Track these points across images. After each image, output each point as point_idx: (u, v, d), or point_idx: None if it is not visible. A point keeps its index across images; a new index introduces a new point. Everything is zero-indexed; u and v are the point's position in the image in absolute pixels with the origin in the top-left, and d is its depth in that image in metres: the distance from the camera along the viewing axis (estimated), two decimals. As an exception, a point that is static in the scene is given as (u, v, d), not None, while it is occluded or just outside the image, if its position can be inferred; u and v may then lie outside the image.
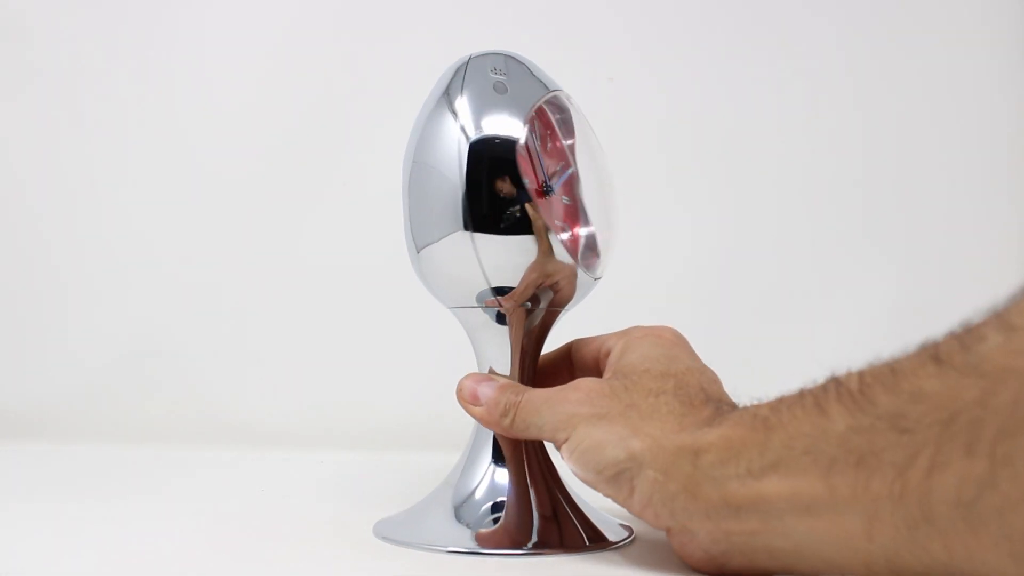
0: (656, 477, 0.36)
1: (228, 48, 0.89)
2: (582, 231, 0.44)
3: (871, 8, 0.87)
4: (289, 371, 0.84)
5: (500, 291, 0.43)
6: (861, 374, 0.32)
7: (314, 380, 0.84)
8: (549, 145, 0.44)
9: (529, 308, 0.44)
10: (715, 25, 0.87)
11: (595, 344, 0.46)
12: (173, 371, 0.85)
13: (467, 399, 0.44)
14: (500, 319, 0.44)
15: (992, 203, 0.86)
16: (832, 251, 0.86)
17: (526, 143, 0.42)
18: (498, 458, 0.44)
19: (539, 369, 0.47)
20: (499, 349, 0.45)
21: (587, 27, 0.87)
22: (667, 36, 0.88)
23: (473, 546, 0.41)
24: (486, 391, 0.43)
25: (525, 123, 0.42)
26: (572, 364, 0.48)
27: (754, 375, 0.77)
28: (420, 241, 0.44)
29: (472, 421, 0.45)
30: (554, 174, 0.43)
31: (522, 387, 0.43)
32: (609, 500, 0.39)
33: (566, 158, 0.44)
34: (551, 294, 0.44)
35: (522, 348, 0.45)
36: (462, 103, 0.43)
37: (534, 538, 0.42)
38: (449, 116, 0.43)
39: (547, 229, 0.42)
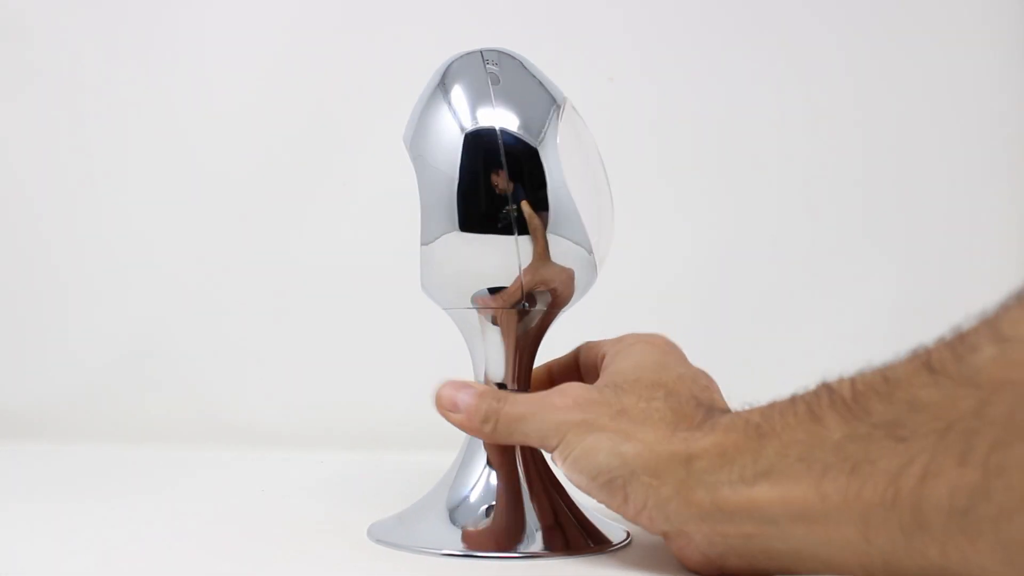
0: (649, 482, 0.36)
1: (228, 49, 0.89)
2: None
3: (871, 8, 0.87)
4: (289, 371, 0.84)
5: (495, 292, 0.43)
6: (853, 381, 0.32)
7: (314, 380, 0.84)
8: None
9: (525, 309, 0.44)
10: (715, 25, 0.87)
11: (596, 349, 0.46)
12: (173, 371, 0.85)
13: (446, 406, 0.43)
14: (494, 321, 0.44)
15: (992, 203, 0.86)
16: (832, 251, 0.86)
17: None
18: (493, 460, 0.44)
19: (552, 375, 0.47)
20: (494, 351, 0.45)
21: (587, 27, 0.87)
22: (667, 36, 0.88)
23: (467, 549, 0.41)
24: (465, 398, 0.42)
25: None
26: (580, 369, 0.48)
27: (754, 375, 0.77)
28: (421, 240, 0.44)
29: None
30: None
31: (502, 393, 0.43)
32: (605, 505, 0.39)
33: None
34: (548, 296, 0.44)
35: (517, 350, 0.45)
36: (457, 94, 0.43)
37: (528, 541, 0.42)
38: (444, 107, 0.43)
39: (544, 228, 0.42)
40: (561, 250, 0.42)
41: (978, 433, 0.27)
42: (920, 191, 0.86)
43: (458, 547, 0.41)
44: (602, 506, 0.40)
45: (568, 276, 0.43)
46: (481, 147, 0.42)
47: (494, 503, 0.43)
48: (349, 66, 0.88)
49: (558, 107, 0.43)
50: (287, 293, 0.85)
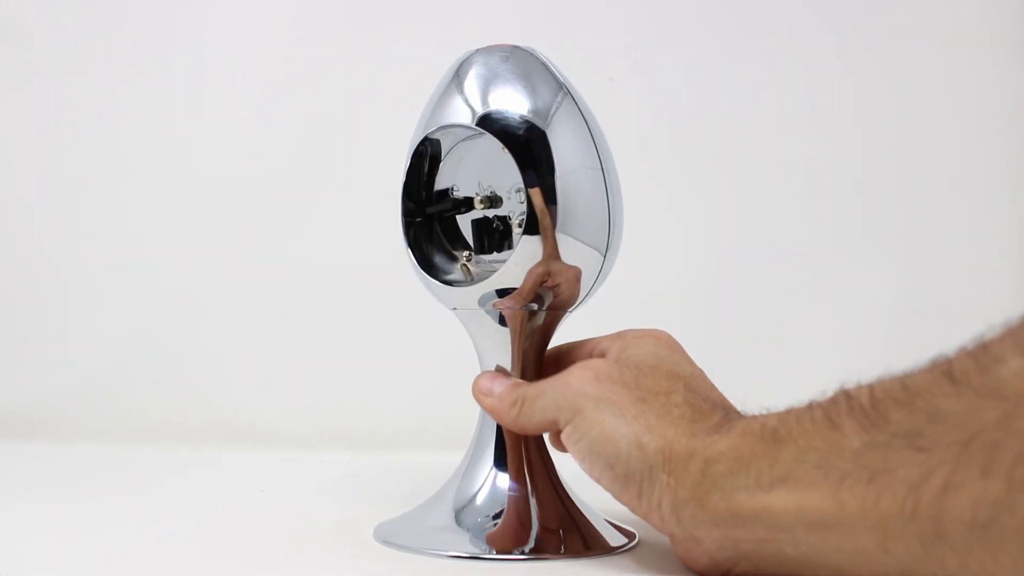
0: (668, 482, 0.36)
1: (227, 49, 0.89)
2: None
3: (871, 8, 0.87)
4: (290, 371, 0.84)
5: (502, 292, 0.43)
6: (872, 389, 0.32)
7: (314, 380, 0.84)
8: None
9: (533, 310, 0.44)
10: (715, 25, 0.87)
11: (588, 347, 0.45)
12: (173, 371, 0.85)
13: (482, 391, 0.43)
14: (502, 321, 0.44)
15: (992, 203, 0.86)
16: (832, 251, 0.86)
17: None
18: (500, 462, 0.44)
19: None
20: (501, 351, 0.45)
21: (587, 27, 0.87)
22: (667, 36, 0.88)
23: (473, 551, 0.41)
24: (498, 386, 0.43)
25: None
26: (565, 367, 0.47)
27: (753, 375, 0.77)
28: None
29: (474, 424, 0.45)
30: None
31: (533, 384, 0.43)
32: (612, 501, 0.39)
33: None
34: (552, 296, 0.43)
35: (524, 350, 0.44)
36: (470, 84, 0.43)
37: (534, 543, 0.42)
38: (457, 97, 0.43)
39: (553, 228, 0.41)
40: (569, 249, 0.42)
41: (1002, 445, 0.27)
42: (920, 191, 0.86)
43: (465, 549, 0.41)
44: (607, 508, 0.39)
45: (574, 276, 0.43)
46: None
47: (501, 505, 0.43)
48: (349, 67, 0.88)
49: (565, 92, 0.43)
50: (287, 293, 0.85)
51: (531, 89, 0.42)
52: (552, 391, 0.40)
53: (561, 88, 0.43)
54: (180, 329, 0.86)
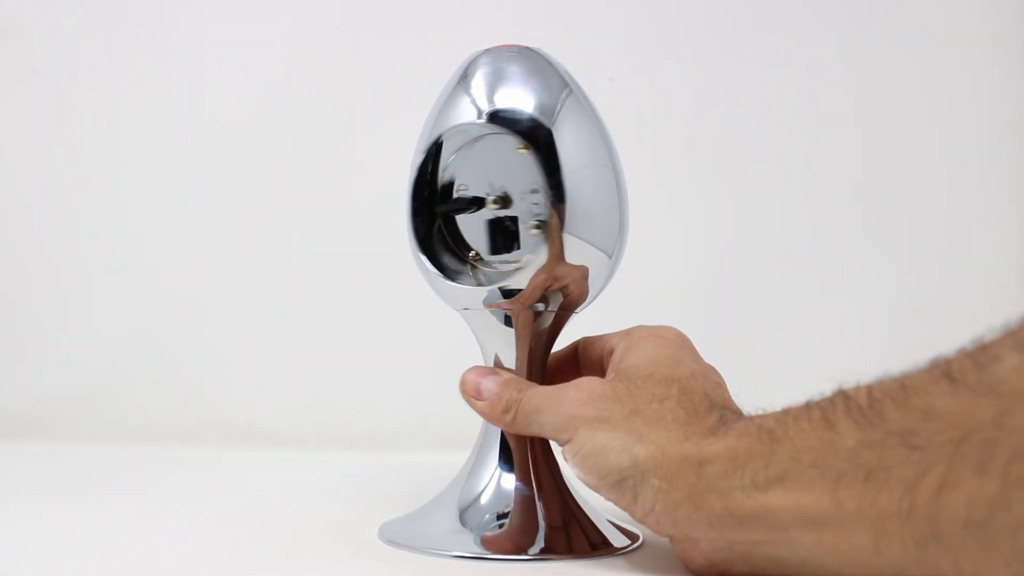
0: (660, 486, 0.36)
1: (227, 49, 0.89)
2: None
3: (871, 8, 0.87)
4: (290, 371, 0.84)
5: (507, 293, 0.43)
6: (870, 388, 0.32)
7: (316, 380, 0.84)
8: None
9: (539, 311, 0.44)
10: (715, 25, 0.87)
11: (600, 343, 0.45)
12: (173, 371, 0.84)
13: (470, 393, 0.43)
14: (507, 321, 0.44)
15: (992, 203, 0.86)
16: (832, 251, 0.86)
17: None
18: (505, 461, 0.44)
19: (547, 368, 0.47)
20: (506, 352, 0.45)
21: (587, 27, 0.87)
22: (667, 36, 0.88)
23: (478, 551, 0.41)
24: (489, 385, 0.43)
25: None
26: (579, 363, 0.47)
27: (753, 375, 0.77)
28: None
29: (479, 425, 0.45)
30: None
31: (525, 383, 0.43)
32: (614, 504, 0.39)
33: None
34: (560, 297, 0.43)
35: (530, 351, 0.44)
36: (477, 83, 0.43)
37: (539, 544, 0.42)
38: (464, 97, 0.43)
39: (561, 228, 0.41)
40: (576, 250, 0.42)
41: (997, 443, 0.27)
42: (920, 191, 0.86)
43: (470, 549, 0.41)
44: (613, 508, 0.40)
45: (582, 276, 0.43)
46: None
47: (506, 505, 0.43)
48: (349, 67, 0.88)
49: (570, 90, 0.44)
50: (287, 293, 0.85)
51: (542, 87, 0.43)
52: (548, 410, 0.40)
53: (567, 87, 0.44)
54: (180, 329, 0.86)
